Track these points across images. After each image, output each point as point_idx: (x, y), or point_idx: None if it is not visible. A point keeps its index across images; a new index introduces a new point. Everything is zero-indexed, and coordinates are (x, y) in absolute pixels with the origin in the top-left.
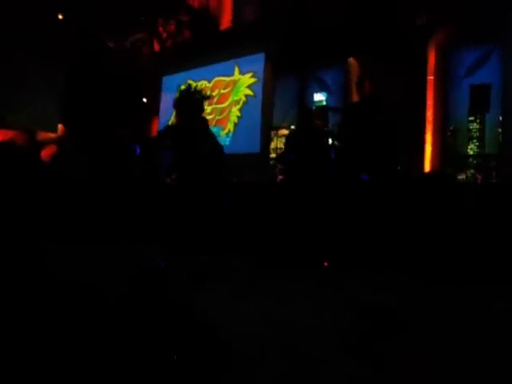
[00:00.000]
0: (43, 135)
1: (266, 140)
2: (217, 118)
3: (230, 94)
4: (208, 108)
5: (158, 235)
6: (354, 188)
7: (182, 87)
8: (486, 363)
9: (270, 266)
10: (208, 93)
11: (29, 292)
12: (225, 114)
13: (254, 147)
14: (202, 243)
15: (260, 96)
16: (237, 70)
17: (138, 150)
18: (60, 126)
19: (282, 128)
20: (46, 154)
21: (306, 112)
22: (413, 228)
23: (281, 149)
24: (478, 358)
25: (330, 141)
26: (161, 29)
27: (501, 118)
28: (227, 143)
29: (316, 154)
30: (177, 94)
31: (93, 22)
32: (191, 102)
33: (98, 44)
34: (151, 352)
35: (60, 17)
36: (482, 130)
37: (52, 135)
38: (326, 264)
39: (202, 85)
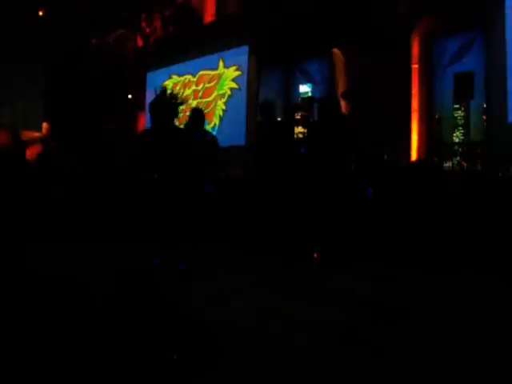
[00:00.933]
0: (27, 134)
1: (251, 133)
2: None
3: (215, 87)
4: (193, 102)
5: (145, 232)
6: (339, 179)
7: (158, 91)
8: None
9: (257, 254)
10: (186, 95)
11: (16, 292)
12: (210, 108)
13: (240, 140)
14: (191, 237)
15: (245, 89)
16: (221, 64)
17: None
18: (45, 125)
19: None
20: (31, 153)
21: (265, 106)
22: (401, 217)
23: None
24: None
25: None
26: (143, 24)
27: (485, 105)
28: None
29: (277, 147)
30: (152, 98)
31: (75, 18)
32: (165, 107)
33: (79, 40)
34: (138, 346)
35: (40, 13)
36: (466, 117)
37: (37, 134)
38: (315, 256)
39: (186, 79)
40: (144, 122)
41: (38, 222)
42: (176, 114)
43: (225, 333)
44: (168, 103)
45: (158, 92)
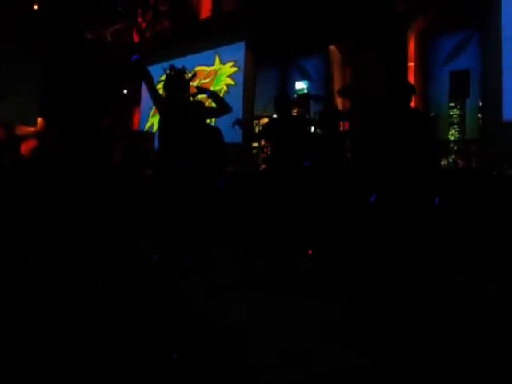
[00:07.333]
0: (22, 129)
1: (247, 129)
2: None
3: (211, 83)
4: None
5: (148, 227)
6: (336, 176)
7: (168, 71)
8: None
9: (256, 256)
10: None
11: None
12: (206, 104)
13: (236, 137)
14: (193, 233)
15: (241, 85)
16: (217, 60)
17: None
18: (39, 120)
19: (264, 117)
20: (25, 148)
21: (281, 99)
22: (399, 215)
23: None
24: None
25: (312, 129)
26: (140, 19)
27: (480, 104)
28: None
29: (294, 142)
30: (162, 77)
31: (70, 13)
32: (179, 82)
33: (75, 35)
34: (131, 342)
35: (35, 7)
36: (462, 115)
37: (31, 129)
38: (310, 252)
39: None
40: (139, 117)
41: (34, 215)
42: (187, 88)
43: (219, 330)
44: (177, 77)
45: (167, 71)
